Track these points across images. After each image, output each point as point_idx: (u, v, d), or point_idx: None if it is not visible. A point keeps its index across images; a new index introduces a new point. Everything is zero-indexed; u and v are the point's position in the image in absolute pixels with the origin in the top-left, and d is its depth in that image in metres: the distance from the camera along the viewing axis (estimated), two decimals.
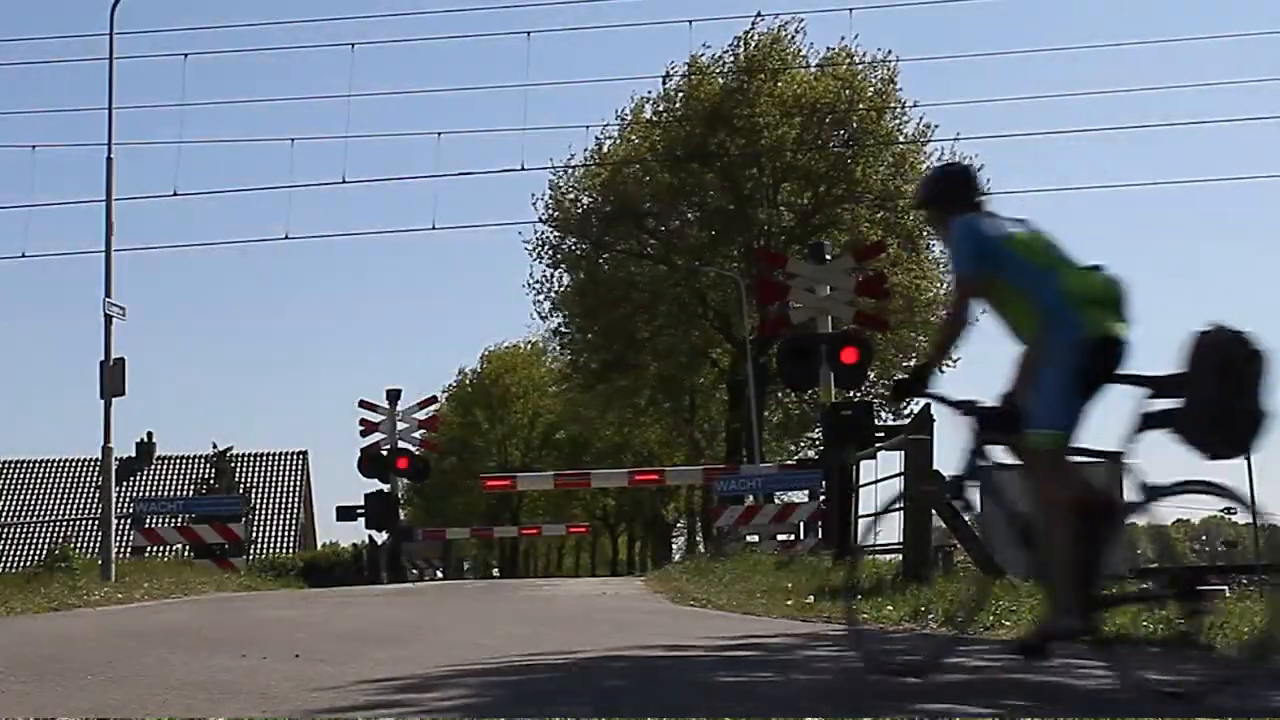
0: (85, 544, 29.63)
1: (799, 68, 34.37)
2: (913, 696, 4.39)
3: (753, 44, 34.50)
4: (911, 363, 37.01)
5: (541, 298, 38.06)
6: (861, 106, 33.89)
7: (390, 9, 79.97)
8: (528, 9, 35.32)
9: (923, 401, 5.48)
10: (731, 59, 34.68)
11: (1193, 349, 4.40)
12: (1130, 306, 4.64)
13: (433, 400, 26.85)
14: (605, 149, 36.10)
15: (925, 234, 35.82)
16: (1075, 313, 4.55)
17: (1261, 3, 62.74)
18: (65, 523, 39.81)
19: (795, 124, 33.80)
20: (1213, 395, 4.36)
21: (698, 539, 46.40)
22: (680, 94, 34.96)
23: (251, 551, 26.92)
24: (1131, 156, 76.25)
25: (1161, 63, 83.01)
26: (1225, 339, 4.40)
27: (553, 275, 37.63)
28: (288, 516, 45.78)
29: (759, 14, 34.41)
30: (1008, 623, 7.12)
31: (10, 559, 40.64)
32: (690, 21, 31.53)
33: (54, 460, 47.18)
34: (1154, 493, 4.46)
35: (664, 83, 34.97)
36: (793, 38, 34.71)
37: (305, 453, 48.12)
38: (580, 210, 36.31)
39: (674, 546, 56.05)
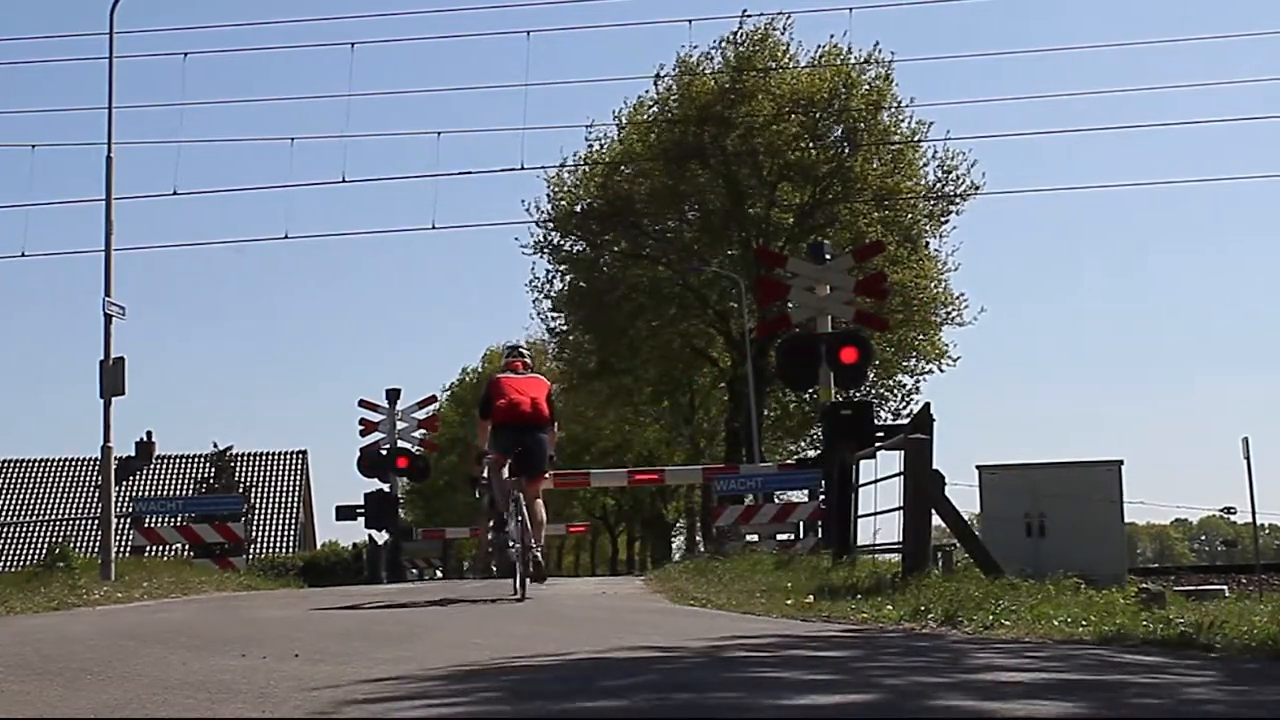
0: (85, 543, 29.65)
1: (789, 66, 34.35)
2: None
3: (741, 42, 34.52)
4: (911, 362, 37.04)
5: (542, 297, 38.21)
6: (858, 105, 33.85)
7: (390, 9, 79.92)
8: (528, 9, 35.31)
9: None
10: (720, 59, 34.70)
11: None
12: None
13: (432, 400, 26.84)
14: (598, 150, 36.13)
15: (924, 231, 35.89)
16: None
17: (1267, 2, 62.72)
18: (65, 522, 39.84)
19: (792, 121, 33.78)
20: None
21: (697, 538, 46.39)
22: (673, 95, 34.95)
23: (251, 551, 26.94)
24: (1152, 155, 76.24)
25: (1168, 62, 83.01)
26: None
27: (552, 275, 37.74)
28: (287, 516, 45.84)
29: (745, 12, 34.44)
30: (1007, 622, 7.12)
31: (10, 559, 40.66)
32: (690, 21, 31.49)
33: (54, 460, 47.21)
34: None
35: (655, 84, 34.99)
36: (782, 33, 34.75)
37: (305, 452, 48.22)
38: (579, 212, 36.35)
39: (673, 546, 56.05)
